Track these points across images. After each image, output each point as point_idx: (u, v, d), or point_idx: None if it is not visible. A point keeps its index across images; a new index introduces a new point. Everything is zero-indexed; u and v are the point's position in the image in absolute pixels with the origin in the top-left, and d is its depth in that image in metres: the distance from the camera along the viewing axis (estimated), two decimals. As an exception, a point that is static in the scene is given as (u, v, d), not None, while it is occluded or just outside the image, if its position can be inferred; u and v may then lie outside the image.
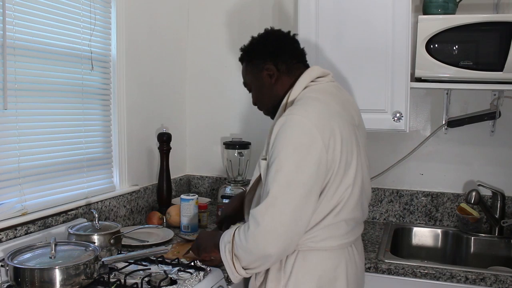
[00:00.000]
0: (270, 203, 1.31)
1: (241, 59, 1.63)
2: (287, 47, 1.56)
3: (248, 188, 1.56)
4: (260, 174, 1.45)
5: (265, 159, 1.42)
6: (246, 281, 1.75)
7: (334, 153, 1.35)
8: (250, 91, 1.64)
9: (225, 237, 1.43)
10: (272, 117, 1.59)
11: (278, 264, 1.44)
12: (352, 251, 1.49)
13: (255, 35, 1.62)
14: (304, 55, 1.60)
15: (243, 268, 1.40)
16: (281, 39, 1.58)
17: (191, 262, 1.60)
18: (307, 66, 1.58)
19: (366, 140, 1.62)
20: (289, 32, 1.61)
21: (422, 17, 1.96)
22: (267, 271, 1.46)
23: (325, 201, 1.38)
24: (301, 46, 1.61)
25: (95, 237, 1.60)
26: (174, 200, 2.36)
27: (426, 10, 2.04)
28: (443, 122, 2.29)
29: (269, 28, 1.62)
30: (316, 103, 1.40)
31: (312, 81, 1.50)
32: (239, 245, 1.37)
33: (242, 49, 1.63)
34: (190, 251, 1.67)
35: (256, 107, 1.66)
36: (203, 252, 1.56)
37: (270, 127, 1.45)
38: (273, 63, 1.53)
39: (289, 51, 1.56)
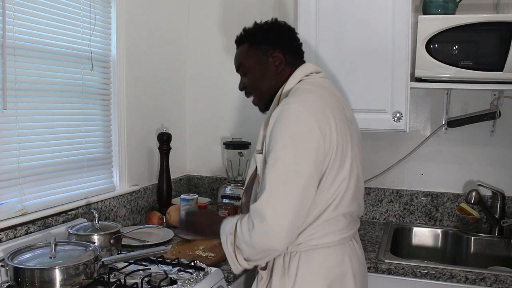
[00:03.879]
0: (271, 194, 1.28)
1: (242, 40, 1.58)
2: (295, 42, 1.58)
3: (244, 187, 1.55)
4: (255, 169, 1.44)
5: (261, 152, 1.41)
6: (247, 283, 1.75)
7: (331, 143, 1.34)
8: (243, 75, 1.59)
9: (227, 228, 1.39)
10: (261, 108, 1.59)
11: (281, 269, 1.42)
12: (353, 245, 1.48)
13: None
14: (303, 53, 1.62)
15: (245, 259, 1.38)
16: (291, 33, 1.58)
17: (191, 262, 1.60)
18: (303, 62, 1.59)
19: (360, 139, 1.59)
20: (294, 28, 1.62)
21: (422, 17, 1.96)
22: (271, 276, 1.43)
23: (322, 193, 1.36)
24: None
25: (95, 237, 1.60)
26: (174, 200, 2.36)
27: (426, 10, 2.04)
28: (443, 122, 2.29)
29: (274, 19, 1.60)
30: (311, 94, 1.41)
31: (306, 76, 1.51)
32: (241, 239, 1.33)
33: (247, 30, 1.58)
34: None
35: (249, 100, 1.62)
36: (200, 235, 1.56)
37: (265, 120, 1.45)
38: (281, 52, 1.52)
39: (296, 46, 1.58)
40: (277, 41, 1.53)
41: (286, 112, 1.33)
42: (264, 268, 1.46)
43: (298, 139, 1.30)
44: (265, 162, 1.35)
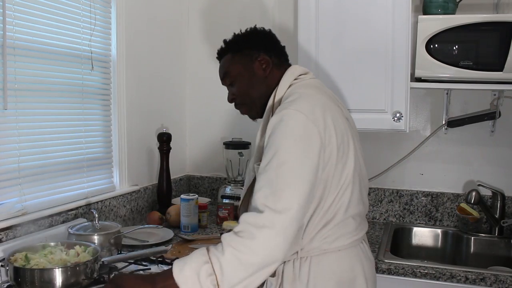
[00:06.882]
0: (278, 198, 1.19)
1: (225, 51, 1.57)
2: (278, 44, 1.56)
3: (241, 198, 1.48)
4: (254, 180, 1.36)
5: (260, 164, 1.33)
6: None
7: (331, 147, 1.31)
8: (231, 84, 1.56)
9: (193, 263, 1.19)
10: (252, 116, 1.57)
11: (291, 275, 1.38)
12: (364, 247, 1.47)
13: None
14: (287, 55, 1.59)
15: None
16: (272, 36, 1.57)
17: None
18: (289, 65, 1.56)
19: (358, 134, 1.55)
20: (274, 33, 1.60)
21: (422, 17, 1.96)
22: (281, 283, 1.39)
23: (330, 196, 1.34)
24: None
25: (95, 237, 1.60)
26: (174, 200, 2.36)
27: (426, 10, 2.04)
28: (443, 122, 2.29)
29: (254, 26, 1.59)
30: (305, 98, 1.35)
31: (295, 79, 1.47)
32: (235, 256, 1.15)
33: (227, 41, 1.57)
34: None
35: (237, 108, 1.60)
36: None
37: (260, 130, 1.42)
38: (267, 55, 1.49)
39: (280, 48, 1.55)
40: (260, 44, 1.51)
41: (285, 117, 1.28)
42: (273, 275, 1.42)
43: (300, 143, 1.26)
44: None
